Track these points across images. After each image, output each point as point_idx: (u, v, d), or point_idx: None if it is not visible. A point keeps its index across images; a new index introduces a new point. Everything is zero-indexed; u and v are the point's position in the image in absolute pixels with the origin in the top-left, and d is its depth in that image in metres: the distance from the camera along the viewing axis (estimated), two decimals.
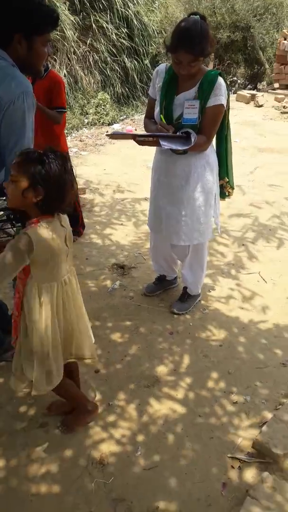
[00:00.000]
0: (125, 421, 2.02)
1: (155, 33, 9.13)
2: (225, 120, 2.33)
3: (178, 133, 2.19)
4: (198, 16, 2.07)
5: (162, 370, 2.32)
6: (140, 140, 2.19)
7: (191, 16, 2.08)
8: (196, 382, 2.24)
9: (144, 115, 2.48)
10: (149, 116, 2.42)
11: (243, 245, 3.60)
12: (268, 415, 2.06)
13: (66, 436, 1.94)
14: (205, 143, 2.27)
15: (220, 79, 2.18)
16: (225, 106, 2.24)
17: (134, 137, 2.20)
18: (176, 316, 2.72)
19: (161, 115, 2.29)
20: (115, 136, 2.35)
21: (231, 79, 9.34)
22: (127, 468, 1.82)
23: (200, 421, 2.03)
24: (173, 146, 2.15)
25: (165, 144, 2.13)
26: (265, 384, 2.24)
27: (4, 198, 1.94)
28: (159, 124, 2.25)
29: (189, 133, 2.17)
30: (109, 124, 7.39)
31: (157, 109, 2.32)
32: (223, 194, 2.60)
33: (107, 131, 6.93)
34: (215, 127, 2.28)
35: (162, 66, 2.32)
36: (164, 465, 1.83)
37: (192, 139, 2.15)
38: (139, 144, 2.23)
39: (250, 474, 1.80)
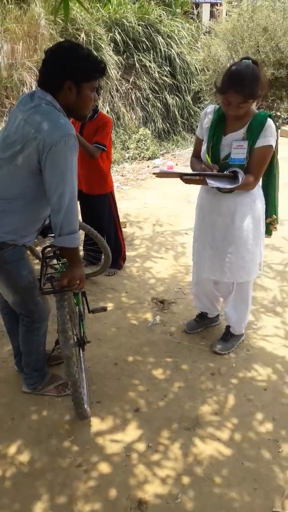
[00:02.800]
0: (170, 461, 1.98)
1: (198, 70, 9.35)
2: (274, 159, 2.33)
3: (225, 172, 2.20)
4: (250, 60, 2.12)
5: (204, 411, 2.25)
6: (187, 178, 2.21)
7: (243, 60, 2.13)
8: (241, 425, 2.17)
9: (191, 154, 2.52)
10: (196, 155, 2.45)
11: (286, 282, 3.51)
12: None
13: (109, 475, 1.90)
14: (252, 183, 2.26)
15: (270, 121, 2.20)
16: (273, 147, 2.24)
17: (181, 176, 2.22)
18: (219, 355, 2.65)
19: (206, 155, 2.31)
20: (161, 174, 2.39)
21: (275, 114, 9.37)
22: None
23: (245, 467, 1.94)
24: (220, 185, 2.16)
25: (212, 183, 2.15)
26: None
27: (52, 235, 2.01)
28: (203, 163, 2.27)
29: (236, 172, 2.17)
30: (149, 159, 7.53)
31: (203, 149, 2.35)
32: (269, 231, 2.57)
33: (149, 167, 7.07)
34: (263, 167, 2.28)
35: (211, 107, 2.37)
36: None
37: (240, 178, 2.15)
38: (185, 183, 2.25)
39: None
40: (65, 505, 1.80)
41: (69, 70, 1.70)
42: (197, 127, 7.50)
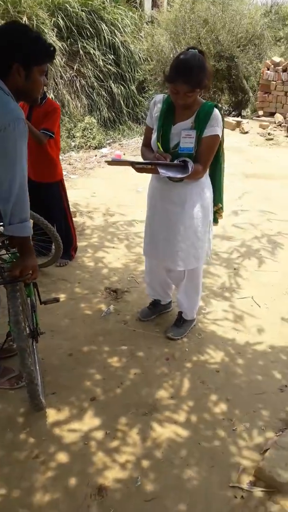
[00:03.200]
0: (129, 447, 1.99)
1: (142, 60, 9.35)
2: (220, 149, 2.39)
3: (175, 162, 2.22)
4: (196, 50, 2.14)
5: (161, 395, 2.29)
6: (139, 167, 2.21)
7: (190, 50, 2.15)
8: (197, 406, 2.23)
9: (142, 143, 2.52)
10: (146, 144, 2.46)
11: (234, 269, 3.63)
12: (269, 442, 2.04)
13: (67, 464, 1.88)
14: (201, 172, 2.31)
15: (216, 111, 2.25)
16: (220, 137, 2.30)
17: (133, 164, 2.22)
18: (172, 341, 2.70)
19: (158, 143, 2.33)
20: (113, 162, 2.38)
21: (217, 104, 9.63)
22: (127, 499, 1.77)
23: (201, 447, 2.01)
24: (171, 174, 2.18)
25: (163, 172, 2.17)
26: (264, 411, 2.23)
27: (1, 224, 1.93)
28: (156, 152, 2.28)
29: (186, 161, 2.21)
30: (95, 148, 7.45)
31: (153, 138, 2.36)
32: (216, 219, 2.65)
33: (96, 156, 6.99)
34: (210, 156, 2.33)
35: (159, 96, 2.38)
36: (166, 495, 1.79)
37: (190, 168, 2.19)
38: (137, 171, 2.26)
39: (253, 503, 1.77)
40: (23, 497, 1.77)
41: (18, 53, 1.63)
42: (142, 117, 7.56)
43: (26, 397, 2.09)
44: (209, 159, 2.33)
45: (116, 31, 9.06)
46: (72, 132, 7.85)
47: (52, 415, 2.16)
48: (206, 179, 2.44)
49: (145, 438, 2.05)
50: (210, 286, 3.35)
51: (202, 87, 2.18)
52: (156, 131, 2.35)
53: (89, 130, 7.77)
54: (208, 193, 2.47)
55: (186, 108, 2.25)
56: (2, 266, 2.01)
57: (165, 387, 2.35)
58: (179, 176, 2.20)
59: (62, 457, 1.95)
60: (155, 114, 2.36)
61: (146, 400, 2.26)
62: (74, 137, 7.74)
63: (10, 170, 1.64)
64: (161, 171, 2.17)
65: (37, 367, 2.29)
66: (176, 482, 1.85)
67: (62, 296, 3.12)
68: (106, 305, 3.06)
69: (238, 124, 8.46)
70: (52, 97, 7.82)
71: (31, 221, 3.30)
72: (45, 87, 3.10)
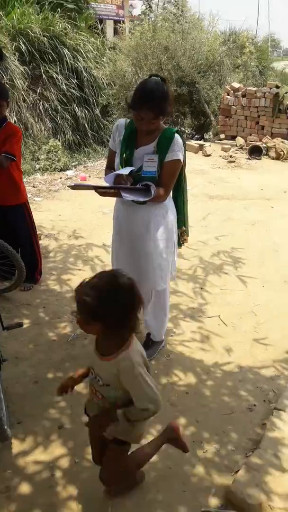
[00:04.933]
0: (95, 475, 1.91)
1: (105, 84, 9.49)
2: (182, 173, 2.45)
3: (138, 185, 2.25)
4: (159, 78, 2.20)
5: None
6: (102, 191, 2.23)
7: (152, 77, 2.21)
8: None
9: (105, 165, 2.54)
10: (110, 167, 2.48)
11: (201, 288, 3.66)
12: (239, 463, 2.03)
13: (32, 496, 1.80)
14: (164, 195, 2.35)
15: (177, 136, 2.30)
16: (181, 161, 2.35)
17: (96, 188, 2.23)
18: None
19: (120, 167, 2.35)
20: (76, 187, 2.39)
21: (179, 129, 9.86)
22: None
23: (172, 471, 1.97)
24: (134, 198, 2.21)
25: (127, 196, 2.19)
26: (233, 431, 2.22)
27: None
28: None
29: (148, 185, 2.24)
30: (61, 170, 7.43)
31: (117, 161, 2.39)
32: (179, 243, 2.68)
33: (61, 178, 6.97)
34: (173, 180, 2.38)
35: (122, 121, 2.42)
36: None
37: (152, 191, 2.22)
38: (101, 195, 2.27)
39: None
40: None
41: None
42: (107, 140, 7.60)
43: None
44: (171, 183, 2.38)
45: (78, 56, 9.19)
46: (37, 154, 7.82)
47: (17, 445, 2.08)
48: (169, 202, 2.48)
49: None
50: (177, 304, 3.35)
51: (165, 114, 2.25)
52: (119, 154, 2.37)
53: (54, 153, 7.76)
54: (172, 216, 2.50)
55: (149, 133, 2.29)
56: None
57: None
58: (142, 199, 2.23)
59: (26, 489, 1.86)
60: (118, 138, 2.40)
61: None
62: (38, 159, 7.70)
63: None
64: (124, 194, 2.20)
65: (1, 396, 2.20)
66: (148, 509, 1.80)
67: (26, 322, 3.03)
68: (73, 329, 3.00)
69: (201, 147, 8.68)
70: (14, 120, 7.78)
71: None
72: (4, 111, 3.09)
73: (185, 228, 2.66)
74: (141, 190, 2.26)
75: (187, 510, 1.81)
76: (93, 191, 2.27)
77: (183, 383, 2.53)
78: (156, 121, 2.21)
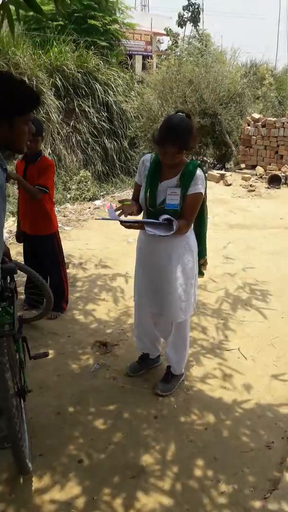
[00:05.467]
0: None
1: (133, 117, 9.86)
2: (203, 205, 2.53)
3: (161, 220, 2.35)
4: (184, 114, 2.34)
5: (147, 459, 2.26)
6: (127, 225, 2.34)
7: (178, 113, 2.34)
8: (183, 471, 2.19)
9: (131, 197, 2.67)
10: (135, 199, 2.61)
11: (221, 319, 3.68)
12: (257, 504, 2.01)
13: None
14: (186, 227, 2.44)
15: (199, 171, 2.41)
16: (203, 194, 2.44)
17: (121, 221, 2.35)
18: (161, 398, 2.69)
19: (144, 200, 2.48)
20: (104, 219, 2.53)
21: (202, 159, 10.04)
22: None
23: None
24: (157, 232, 2.32)
25: (150, 230, 2.31)
26: (252, 470, 2.20)
27: None
28: (120, 206, 2.41)
29: (171, 220, 2.33)
30: (90, 200, 7.69)
31: (141, 195, 2.51)
32: (201, 272, 2.74)
33: (90, 208, 7.19)
34: (194, 213, 2.47)
35: (148, 156, 2.55)
36: None
37: (174, 226, 2.31)
38: (126, 228, 2.38)
39: None
40: None
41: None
42: (133, 170, 7.82)
43: (12, 460, 2.06)
44: (193, 215, 2.47)
45: (109, 90, 9.62)
46: (68, 184, 8.14)
47: (37, 479, 2.11)
48: (191, 234, 2.56)
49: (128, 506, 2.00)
50: (198, 339, 3.37)
51: (188, 148, 2.37)
52: (144, 188, 2.50)
53: (84, 183, 8.06)
54: (194, 246, 2.57)
55: (172, 167, 2.41)
56: None
57: (153, 447, 2.33)
58: (163, 234, 2.32)
59: None
60: (144, 172, 2.52)
61: (135, 462, 2.23)
62: (69, 189, 8.01)
63: None
64: (148, 229, 2.32)
65: (25, 427, 2.27)
66: None
67: (51, 351, 3.12)
68: (95, 360, 3.06)
69: (222, 176, 8.81)
70: (49, 152, 8.15)
71: (24, 274, 3.38)
72: (40, 145, 3.28)
73: (206, 258, 2.73)
74: (163, 224, 2.36)
75: None
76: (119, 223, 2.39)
77: (202, 421, 2.53)
78: (179, 155, 2.32)
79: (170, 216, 2.36)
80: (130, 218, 2.42)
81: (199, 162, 2.57)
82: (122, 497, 2.03)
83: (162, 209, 2.41)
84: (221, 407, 2.65)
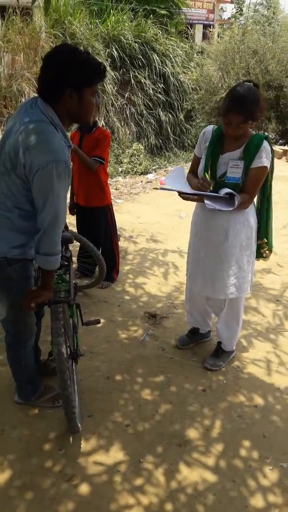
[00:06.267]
0: (153, 487, 1.95)
1: (191, 89, 9.56)
2: (267, 182, 2.40)
3: (222, 194, 2.25)
4: (252, 83, 2.21)
5: (193, 432, 2.25)
6: (185, 196, 2.27)
7: (245, 82, 2.22)
8: (229, 447, 2.16)
9: (189, 170, 2.58)
10: (193, 171, 2.52)
11: (277, 300, 3.55)
12: None
13: (93, 496, 1.89)
14: (247, 202, 2.33)
15: (266, 143, 2.27)
16: (268, 169, 2.31)
17: (180, 192, 2.28)
18: (210, 373, 2.66)
19: (205, 173, 2.37)
20: (163, 189, 2.45)
21: (263, 133, 9.62)
22: None
23: (232, 491, 1.95)
24: (217, 207, 2.21)
25: (209, 204, 2.21)
26: None
27: None
28: (200, 179, 2.33)
29: (233, 195, 2.23)
30: (142, 173, 7.62)
31: (201, 167, 2.41)
32: (259, 254, 2.61)
33: (142, 182, 7.14)
34: (257, 188, 2.35)
35: (210, 128, 2.45)
36: None
37: (236, 202, 2.21)
38: (184, 199, 2.31)
39: None
40: None
41: (68, 77, 1.63)
42: (188, 144, 7.69)
43: (63, 418, 2.12)
44: (255, 190, 2.35)
45: (167, 61, 9.35)
46: (120, 158, 8.09)
47: (86, 438, 2.18)
48: (250, 209, 2.44)
49: (173, 475, 2.02)
50: (253, 322, 3.26)
51: (255, 119, 2.24)
52: (204, 160, 2.40)
53: (136, 157, 7.98)
54: (253, 223, 2.46)
55: (236, 139, 2.29)
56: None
57: (199, 421, 2.32)
58: (225, 209, 2.23)
59: (96, 480, 1.96)
60: (204, 144, 2.42)
61: (180, 434, 2.23)
62: (121, 162, 7.96)
63: (43, 206, 1.69)
64: (207, 202, 2.22)
65: (75, 388, 2.34)
66: None
67: (102, 319, 3.17)
68: (144, 330, 3.08)
69: (285, 152, 8.40)
70: (102, 124, 8.13)
71: (77, 243, 3.42)
72: (97, 115, 3.25)
73: (266, 241, 2.57)
74: (224, 198, 2.26)
75: None
76: (173, 194, 2.33)
77: (251, 401, 2.48)
78: (244, 125, 2.21)
79: (232, 191, 2.26)
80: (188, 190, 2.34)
81: (266, 134, 2.42)
82: (164, 467, 2.05)
83: (223, 182, 2.31)
84: (272, 391, 2.57)
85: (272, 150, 2.32)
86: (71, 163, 3.09)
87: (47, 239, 1.76)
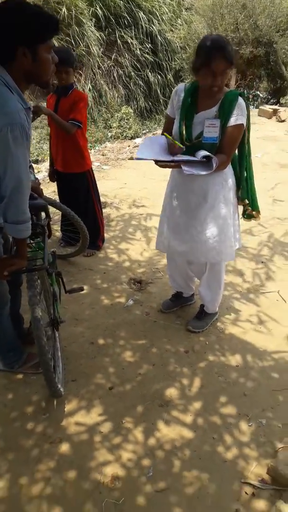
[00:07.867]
0: (132, 444, 2.00)
1: (179, 48, 9.23)
2: (245, 139, 2.32)
3: (199, 158, 2.18)
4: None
5: (174, 391, 2.29)
6: (162, 164, 2.20)
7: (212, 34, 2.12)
8: (209, 405, 2.21)
9: (161, 131, 2.49)
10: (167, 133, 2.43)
11: (262, 262, 3.55)
12: (284, 440, 2.01)
13: (75, 455, 1.94)
14: (225, 162, 2.26)
15: (241, 99, 2.18)
16: (245, 126, 2.23)
17: (157, 161, 2.21)
18: (192, 335, 2.69)
19: (178, 133, 2.29)
20: (139, 159, 2.37)
21: (254, 93, 9.34)
22: (136, 490, 1.80)
23: (210, 447, 2.00)
24: (194, 171, 2.14)
25: (187, 170, 2.13)
26: (281, 408, 2.19)
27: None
28: (169, 146, 2.25)
29: (210, 157, 2.16)
30: (131, 138, 7.46)
31: (175, 128, 2.33)
32: (248, 216, 2.55)
33: (129, 146, 7.00)
34: (234, 147, 2.28)
35: (181, 86, 2.33)
36: (174, 489, 1.81)
37: (214, 164, 2.14)
38: (161, 167, 2.24)
39: (263, 502, 1.76)
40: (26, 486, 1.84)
41: (18, 33, 1.51)
42: None
43: None
44: (232, 150, 2.28)
45: (154, 19, 8.98)
46: (109, 122, 7.90)
47: (70, 402, 2.22)
48: (229, 170, 2.37)
49: (153, 433, 2.07)
50: (235, 283, 3.27)
51: (234, 65, 2.14)
52: (178, 120, 2.31)
53: (126, 120, 7.79)
54: (232, 184, 2.40)
55: (211, 97, 2.20)
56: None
57: (179, 381, 2.36)
58: (203, 173, 2.16)
59: (75, 442, 2.01)
60: (177, 103, 2.32)
61: (161, 394, 2.27)
62: (111, 127, 7.78)
63: (3, 172, 1.60)
64: (185, 168, 2.14)
65: (59, 354, 2.36)
66: (185, 477, 1.86)
67: (87, 286, 3.17)
68: (129, 296, 3.08)
69: (275, 112, 8.19)
70: (90, 88, 7.89)
71: (59, 211, 3.36)
72: (70, 79, 3.12)
73: (248, 202, 2.50)
74: (201, 162, 2.19)
75: (225, 482, 1.84)
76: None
77: (233, 359, 2.52)
78: (227, 73, 2.10)
79: (209, 153, 2.19)
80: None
81: (240, 91, 2.32)
82: (144, 426, 2.09)
83: (199, 143, 2.23)
84: (254, 348, 2.61)
85: (248, 106, 2.24)
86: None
87: (13, 207, 1.71)
